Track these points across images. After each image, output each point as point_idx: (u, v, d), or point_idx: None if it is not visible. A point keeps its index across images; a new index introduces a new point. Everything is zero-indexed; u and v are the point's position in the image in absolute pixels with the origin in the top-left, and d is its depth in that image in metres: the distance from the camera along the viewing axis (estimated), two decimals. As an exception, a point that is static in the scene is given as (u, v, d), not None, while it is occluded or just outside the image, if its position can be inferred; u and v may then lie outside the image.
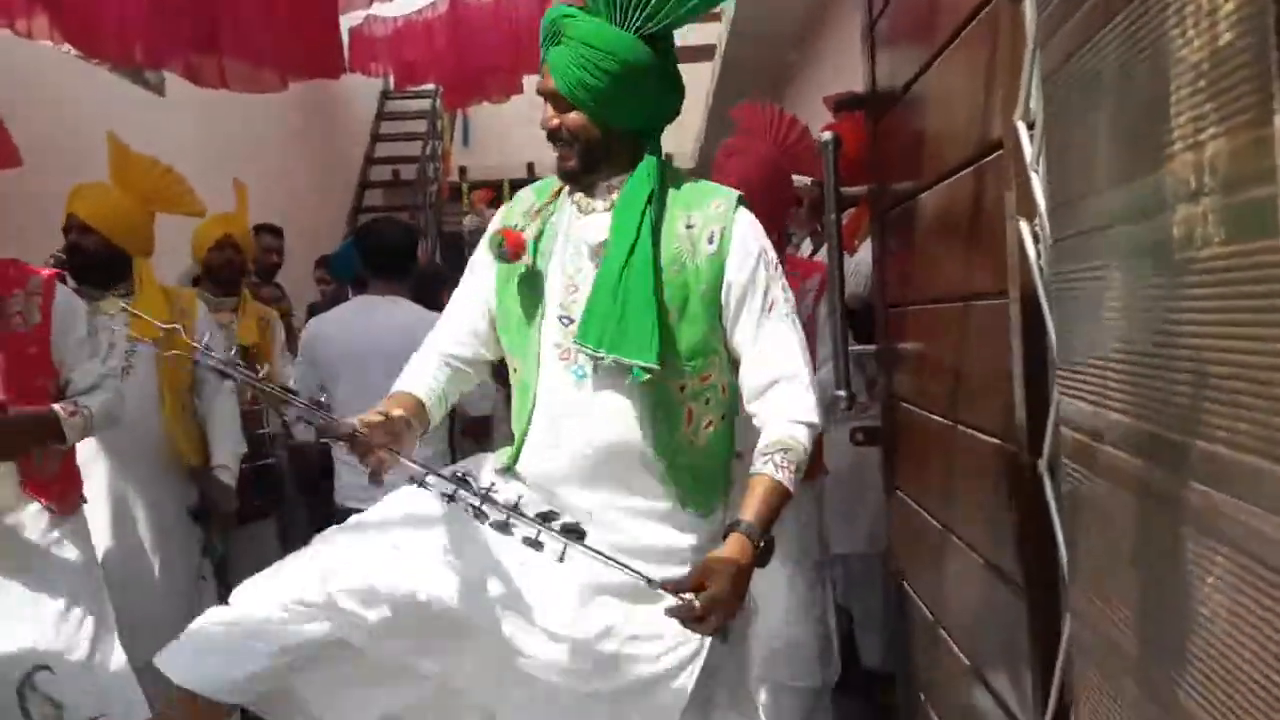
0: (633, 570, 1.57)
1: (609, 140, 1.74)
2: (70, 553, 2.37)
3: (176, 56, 3.53)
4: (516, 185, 9.37)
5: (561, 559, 1.53)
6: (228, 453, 3.15)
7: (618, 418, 1.69)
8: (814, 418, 1.72)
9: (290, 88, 4.48)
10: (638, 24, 1.70)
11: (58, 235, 3.01)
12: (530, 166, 10.74)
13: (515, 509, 1.52)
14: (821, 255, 3.07)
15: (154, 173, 3.11)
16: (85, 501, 2.54)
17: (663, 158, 1.80)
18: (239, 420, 3.26)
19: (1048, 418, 1.18)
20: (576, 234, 1.77)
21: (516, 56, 6.65)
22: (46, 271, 2.52)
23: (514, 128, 10.13)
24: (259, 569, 1.69)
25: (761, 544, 1.64)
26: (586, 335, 1.66)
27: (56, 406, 2.36)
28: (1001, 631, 1.44)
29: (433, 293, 3.63)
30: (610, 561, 1.56)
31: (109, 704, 2.36)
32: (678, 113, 1.84)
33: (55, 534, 2.36)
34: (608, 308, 1.66)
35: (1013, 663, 1.40)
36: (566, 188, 1.82)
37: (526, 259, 1.76)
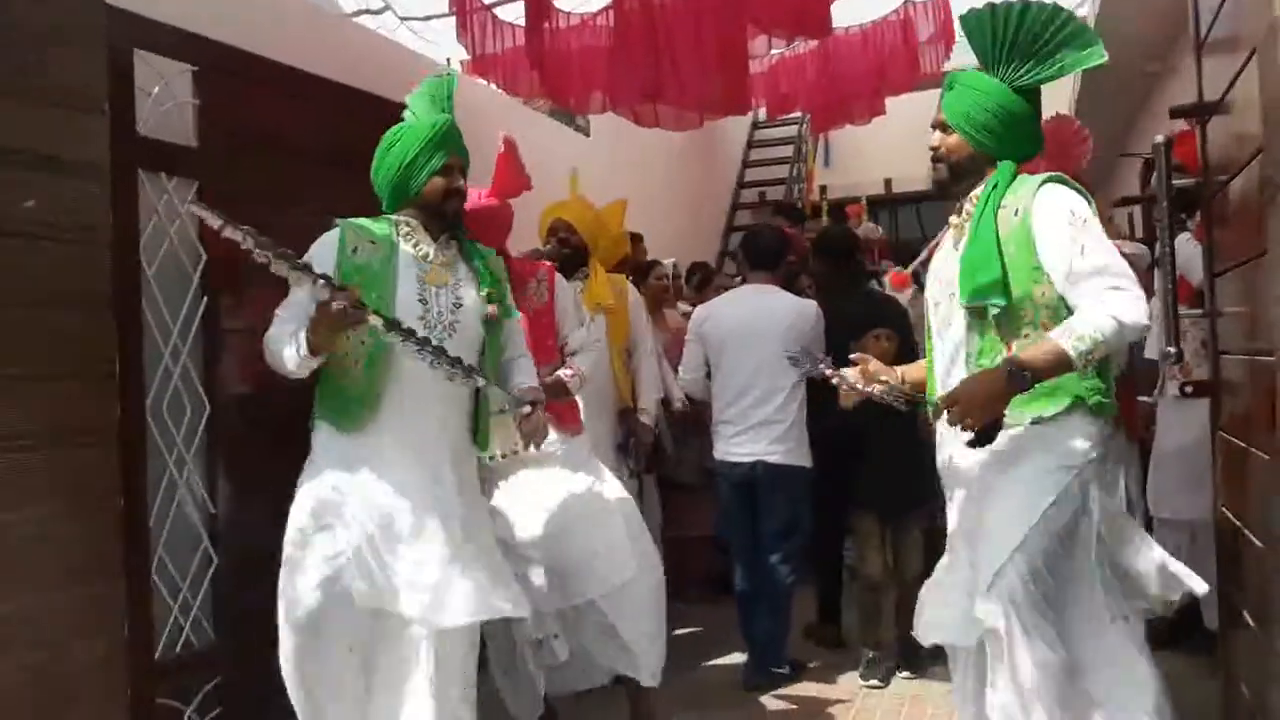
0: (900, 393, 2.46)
1: (973, 160, 2.46)
2: (573, 458, 3.29)
3: (627, 103, 4.57)
4: (874, 201, 9.89)
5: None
6: (650, 400, 4.13)
7: (959, 364, 2.42)
8: (1122, 314, 2.17)
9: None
10: (1008, 78, 2.42)
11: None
12: (888, 183, 11.24)
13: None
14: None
15: (590, 205, 4.16)
16: (583, 430, 3.43)
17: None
18: (658, 376, 4.22)
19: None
20: (947, 242, 2.56)
21: (881, 80, 7.28)
22: (547, 265, 3.49)
23: (871, 147, 10.71)
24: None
25: (1013, 375, 2.17)
26: (963, 295, 2.37)
27: (561, 372, 3.26)
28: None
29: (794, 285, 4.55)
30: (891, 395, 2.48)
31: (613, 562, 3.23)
32: (1033, 154, 2.51)
33: (562, 444, 3.28)
34: (969, 271, 2.36)
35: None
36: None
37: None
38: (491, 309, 2.70)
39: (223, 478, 3.09)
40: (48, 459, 2.34)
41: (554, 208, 4.02)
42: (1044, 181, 2.37)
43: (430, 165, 2.63)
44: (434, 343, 2.49)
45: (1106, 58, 2.44)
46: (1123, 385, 3.06)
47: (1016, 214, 2.35)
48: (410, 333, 2.46)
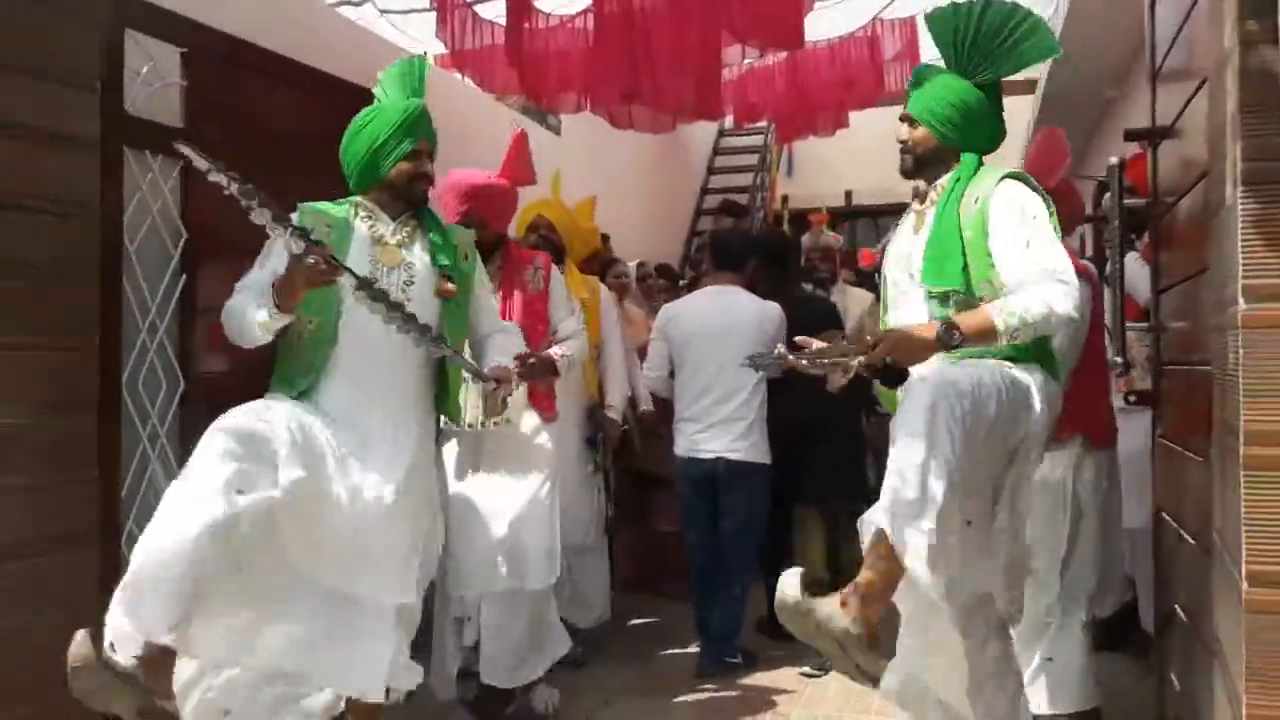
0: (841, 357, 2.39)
1: (937, 151, 2.61)
2: (546, 447, 3.41)
3: (604, 104, 4.67)
4: (835, 212, 9.94)
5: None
6: (618, 396, 4.23)
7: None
8: (1055, 303, 2.29)
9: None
10: (970, 74, 2.58)
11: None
12: (849, 195, 11.45)
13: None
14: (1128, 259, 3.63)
15: (568, 209, 4.30)
16: (558, 416, 3.56)
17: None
18: (625, 373, 4.33)
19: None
20: (907, 225, 2.68)
21: (846, 94, 7.45)
22: (545, 254, 3.65)
23: (834, 158, 10.90)
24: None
25: (943, 333, 2.27)
26: (925, 278, 2.51)
27: (552, 350, 3.39)
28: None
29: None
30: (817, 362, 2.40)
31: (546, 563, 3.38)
32: (994, 147, 2.64)
33: (542, 433, 3.41)
34: (931, 258, 2.51)
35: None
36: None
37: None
38: (443, 285, 2.71)
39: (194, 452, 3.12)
40: (31, 428, 2.38)
41: (536, 205, 4.12)
42: (1005, 176, 2.51)
43: (399, 150, 2.68)
44: (402, 307, 2.53)
45: (1061, 52, 2.61)
46: (1088, 389, 3.22)
47: (976, 202, 2.50)
48: (382, 293, 2.51)
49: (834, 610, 2.15)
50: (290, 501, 2.30)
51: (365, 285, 2.47)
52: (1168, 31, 2.66)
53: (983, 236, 2.46)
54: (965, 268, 2.45)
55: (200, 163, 2.26)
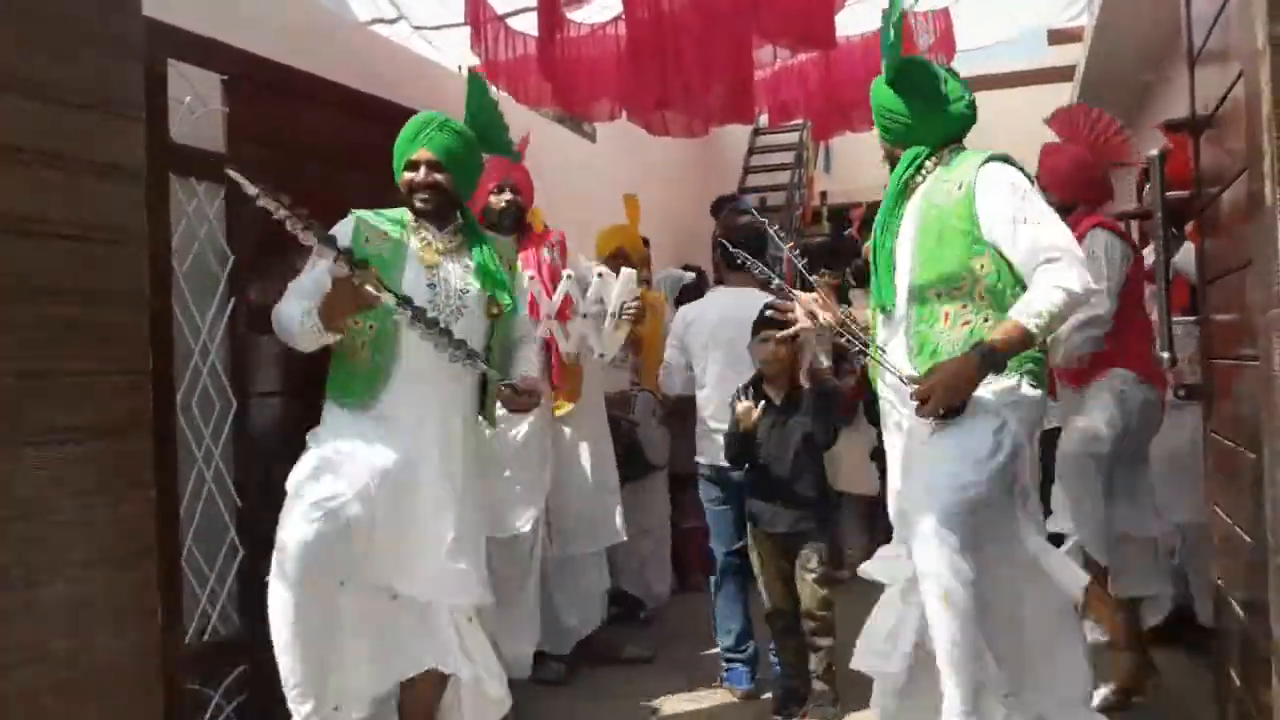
0: (898, 371, 2.48)
1: (890, 153, 2.72)
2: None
3: (639, 112, 4.69)
4: (874, 206, 9.88)
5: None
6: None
7: (898, 334, 2.60)
8: (1069, 284, 2.33)
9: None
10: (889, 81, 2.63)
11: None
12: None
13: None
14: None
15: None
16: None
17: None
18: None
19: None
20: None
21: (882, 89, 7.37)
22: (559, 233, 4.05)
23: (872, 153, 10.78)
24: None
25: (985, 358, 2.33)
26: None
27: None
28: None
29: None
30: (889, 366, 2.50)
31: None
32: (954, 128, 2.65)
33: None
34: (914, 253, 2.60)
35: None
36: None
37: None
38: (496, 307, 2.89)
39: (248, 472, 3.18)
40: (91, 452, 2.44)
41: (615, 233, 4.80)
42: (987, 159, 2.51)
43: (401, 162, 2.83)
44: (441, 325, 2.65)
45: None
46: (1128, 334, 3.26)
47: (960, 188, 2.50)
48: (421, 313, 2.61)
49: None
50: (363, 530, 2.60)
51: (407, 304, 2.55)
52: (1205, 17, 2.62)
53: (969, 223, 2.47)
54: (947, 254, 2.48)
55: (249, 188, 2.34)
